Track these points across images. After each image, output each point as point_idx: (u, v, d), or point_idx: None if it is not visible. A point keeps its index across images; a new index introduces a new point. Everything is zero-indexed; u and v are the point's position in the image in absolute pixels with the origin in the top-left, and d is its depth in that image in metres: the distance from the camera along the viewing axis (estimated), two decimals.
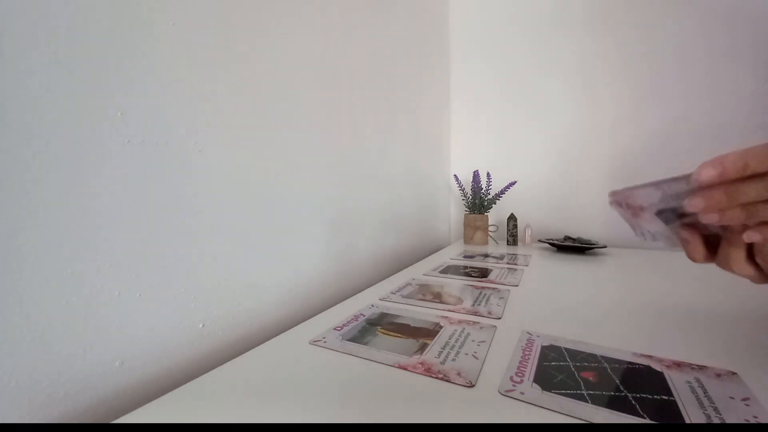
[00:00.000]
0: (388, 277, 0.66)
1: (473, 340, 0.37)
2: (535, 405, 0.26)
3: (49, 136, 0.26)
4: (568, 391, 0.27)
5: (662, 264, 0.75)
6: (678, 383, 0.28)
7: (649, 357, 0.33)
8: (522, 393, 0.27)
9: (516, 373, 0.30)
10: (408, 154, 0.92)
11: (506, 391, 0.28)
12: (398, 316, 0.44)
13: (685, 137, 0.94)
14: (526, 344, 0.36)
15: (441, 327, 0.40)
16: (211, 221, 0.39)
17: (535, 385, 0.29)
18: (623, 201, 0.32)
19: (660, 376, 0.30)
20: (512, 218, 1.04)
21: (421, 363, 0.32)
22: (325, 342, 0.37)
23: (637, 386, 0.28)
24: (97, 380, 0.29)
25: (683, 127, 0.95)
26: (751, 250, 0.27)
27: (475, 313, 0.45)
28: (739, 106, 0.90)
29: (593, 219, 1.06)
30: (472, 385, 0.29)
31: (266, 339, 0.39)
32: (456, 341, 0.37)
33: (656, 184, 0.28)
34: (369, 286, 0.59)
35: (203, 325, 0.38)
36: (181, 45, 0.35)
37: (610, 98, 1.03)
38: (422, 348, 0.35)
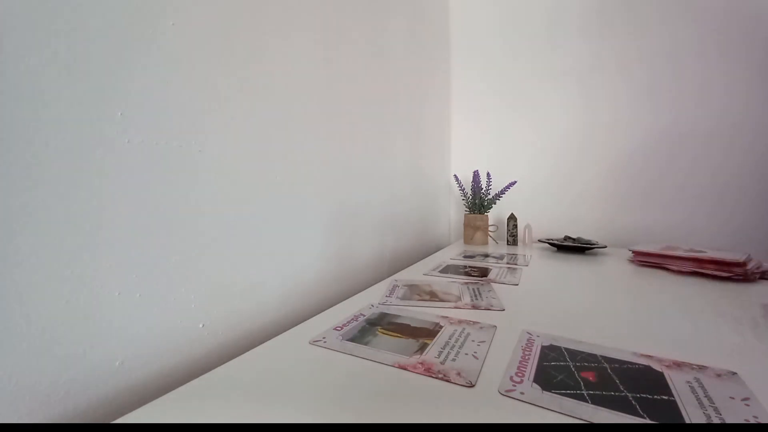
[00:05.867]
0: (388, 276, 0.66)
1: (473, 340, 0.37)
2: (535, 405, 0.26)
3: (49, 136, 0.26)
4: (568, 391, 0.27)
5: None
6: (678, 383, 0.28)
7: (649, 357, 0.33)
8: (522, 393, 0.27)
9: (516, 373, 0.30)
10: (408, 154, 0.92)
11: (506, 391, 0.28)
12: (398, 316, 0.44)
13: (688, 140, 0.94)
14: (526, 344, 0.36)
15: (441, 327, 0.40)
16: (211, 221, 0.39)
17: (535, 385, 0.29)
18: None
19: (660, 376, 0.30)
20: (512, 218, 1.04)
21: (421, 363, 0.32)
22: (325, 342, 0.37)
23: (637, 386, 0.28)
24: (97, 380, 0.29)
25: (685, 131, 0.95)
26: None
27: (474, 307, 0.45)
28: (733, 107, 0.90)
29: (593, 219, 1.06)
30: (472, 385, 0.29)
31: (266, 339, 0.39)
32: (456, 341, 0.37)
33: None
34: (369, 286, 0.59)
35: (203, 325, 0.38)
36: (181, 45, 0.35)
37: (607, 100, 1.03)
38: (422, 348, 0.35)
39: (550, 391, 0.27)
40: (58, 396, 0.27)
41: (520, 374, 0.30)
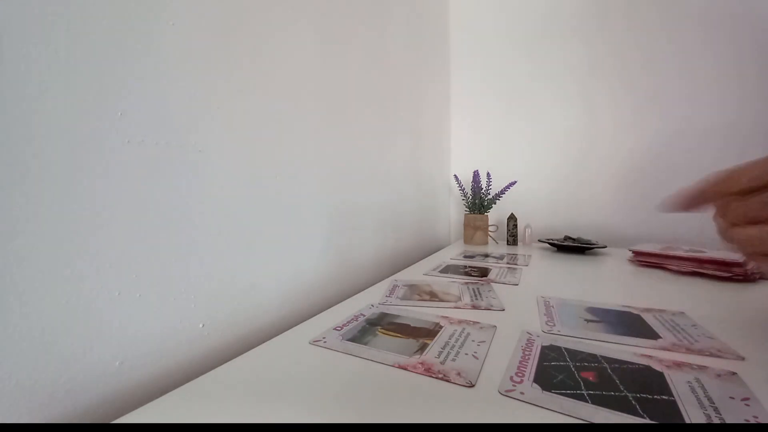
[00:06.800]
0: (388, 276, 0.66)
1: (473, 340, 0.37)
2: (535, 405, 0.26)
3: (49, 136, 0.26)
4: (568, 391, 0.27)
5: None
6: (678, 383, 0.28)
7: (649, 357, 0.33)
8: (522, 393, 0.27)
9: (516, 373, 0.30)
10: (408, 154, 0.92)
11: (506, 391, 0.28)
12: (398, 316, 0.44)
13: (687, 141, 0.94)
14: (526, 344, 0.36)
15: (441, 327, 0.40)
16: (211, 221, 0.39)
17: (535, 385, 0.29)
18: None
19: (660, 376, 0.30)
20: (512, 218, 1.04)
21: (421, 363, 0.32)
22: (325, 342, 0.37)
23: (637, 386, 0.28)
24: (97, 380, 0.29)
25: (684, 131, 0.95)
26: None
27: (474, 307, 0.45)
28: (742, 109, 0.89)
29: (593, 219, 1.06)
30: (472, 385, 0.29)
31: (266, 339, 0.39)
32: (456, 341, 0.37)
33: None
34: (369, 286, 0.59)
35: (203, 325, 0.38)
36: (180, 45, 0.35)
37: (608, 102, 1.03)
38: (422, 348, 0.35)
39: (550, 391, 0.27)
40: (58, 396, 0.27)
41: (520, 374, 0.30)
